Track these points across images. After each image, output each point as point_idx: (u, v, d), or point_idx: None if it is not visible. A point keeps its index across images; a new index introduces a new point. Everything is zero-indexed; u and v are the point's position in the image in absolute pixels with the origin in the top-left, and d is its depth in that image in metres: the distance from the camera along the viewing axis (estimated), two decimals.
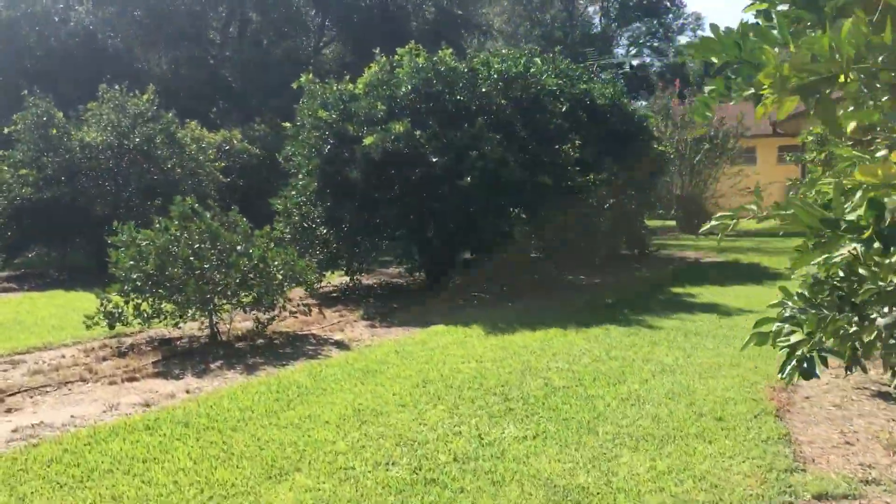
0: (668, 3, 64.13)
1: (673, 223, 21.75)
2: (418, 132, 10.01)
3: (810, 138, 9.53)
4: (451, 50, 11.14)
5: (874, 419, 4.98)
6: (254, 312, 8.31)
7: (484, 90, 11.01)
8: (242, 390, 6.12)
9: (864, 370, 5.71)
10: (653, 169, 14.69)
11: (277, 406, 5.64)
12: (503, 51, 12.83)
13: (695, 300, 10.07)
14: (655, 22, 65.19)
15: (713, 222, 2.98)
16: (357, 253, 11.29)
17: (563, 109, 11.63)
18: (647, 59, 65.81)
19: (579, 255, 13.01)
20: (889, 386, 5.59)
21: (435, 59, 10.85)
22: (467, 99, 10.87)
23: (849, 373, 5.63)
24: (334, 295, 11.50)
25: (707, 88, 2.86)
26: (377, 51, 11.27)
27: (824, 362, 2.63)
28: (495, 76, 11.27)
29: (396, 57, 11.39)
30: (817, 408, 5.30)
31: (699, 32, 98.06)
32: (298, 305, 8.49)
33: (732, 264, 14.01)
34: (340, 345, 8.07)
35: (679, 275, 12.82)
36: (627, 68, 55.52)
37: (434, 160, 9.83)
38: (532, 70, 11.49)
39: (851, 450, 4.42)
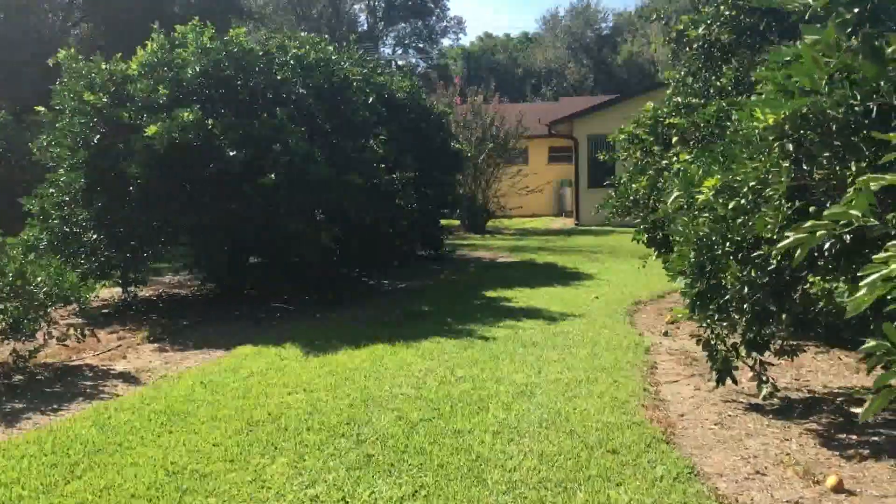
0: (433, 5, 65.43)
1: (457, 222, 21.64)
2: (210, 121, 8.64)
3: (622, 136, 9.44)
4: (244, 29, 9.82)
5: (765, 439, 4.63)
6: (8, 342, 6.59)
7: (281, 77, 9.83)
8: (1, 455, 4.61)
9: (735, 381, 5.45)
10: (450, 167, 14.25)
11: (57, 476, 4.25)
12: (302, 34, 11.68)
13: (512, 304, 9.64)
14: (420, 23, 66.27)
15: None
16: (133, 261, 9.63)
17: (370, 101, 10.75)
18: (413, 60, 66.72)
19: (381, 258, 12.23)
20: (757, 397, 5.34)
21: (226, 38, 9.50)
22: (264, 86, 9.63)
23: (720, 385, 5.33)
24: (106, 311, 9.73)
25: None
26: (155, 25, 9.65)
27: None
28: (293, 62, 10.13)
29: (176, 34, 9.87)
30: (700, 428, 4.89)
31: (461, 36, 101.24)
32: (69, 329, 6.88)
33: (529, 265, 13.91)
34: (127, 377, 6.61)
35: (483, 277, 12.44)
36: (394, 68, 55.86)
37: (231, 154, 8.52)
38: (334, 57, 10.48)
39: (766, 481, 3.99)
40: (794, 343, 5.48)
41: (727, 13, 8.01)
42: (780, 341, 5.38)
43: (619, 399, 5.41)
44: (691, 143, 8.27)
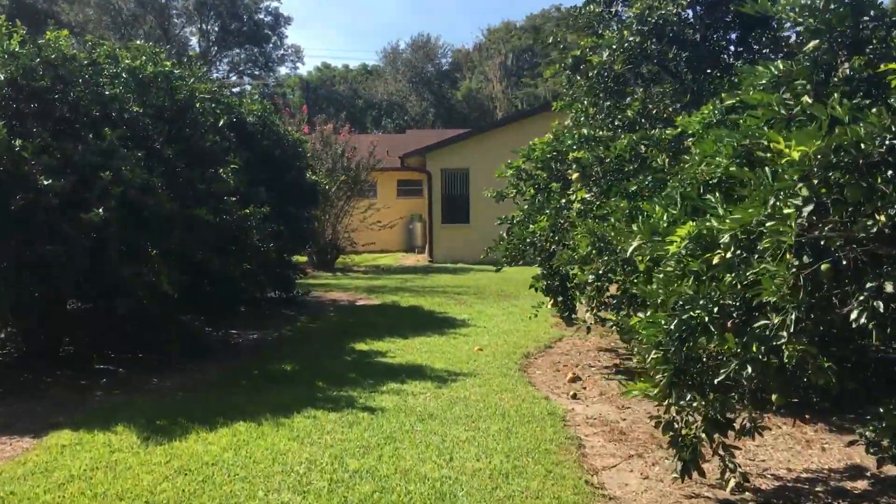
0: (270, 32, 63.43)
1: (304, 259, 20.12)
2: (19, 142, 6.88)
3: (510, 172, 8.57)
4: (66, 32, 8.07)
5: None
6: None
7: (111, 92, 8.17)
8: None
9: (702, 473, 4.52)
10: (306, 201, 12.87)
11: None
12: (138, 42, 9.97)
13: (389, 360, 8.43)
14: (256, 50, 64.04)
15: None
16: None
17: (220, 124, 9.25)
18: (248, 87, 64.17)
19: (229, 305, 10.66)
20: (720, 487, 4.45)
21: (41, 42, 7.75)
22: (89, 101, 7.95)
23: (684, 479, 4.39)
24: None
25: None
26: None
27: None
28: (126, 75, 8.50)
29: None
30: None
31: (299, 65, 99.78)
32: None
33: (393, 309, 12.74)
34: None
35: (346, 324, 11.13)
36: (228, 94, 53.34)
37: (46, 183, 6.80)
38: (177, 71, 8.92)
39: None
40: (756, 419, 4.66)
41: (631, 39, 7.32)
42: (741, 418, 4.54)
43: (564, 501, 4.33)
44: (593, 180, 7.49)
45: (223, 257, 8.83)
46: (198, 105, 9.11)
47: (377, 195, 25.96)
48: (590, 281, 6.72)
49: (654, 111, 7.32)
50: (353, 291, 15.23)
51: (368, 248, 23.32)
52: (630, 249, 4.36)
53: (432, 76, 61.02)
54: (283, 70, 69.70)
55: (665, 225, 4.12)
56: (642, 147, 6.89)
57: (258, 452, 5.22)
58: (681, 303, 3.80)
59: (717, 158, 4.13)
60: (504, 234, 8.13)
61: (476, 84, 58.62)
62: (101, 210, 6.91)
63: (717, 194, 3.99)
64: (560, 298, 7.98)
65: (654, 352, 3.94)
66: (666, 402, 4.17)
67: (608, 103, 7.62)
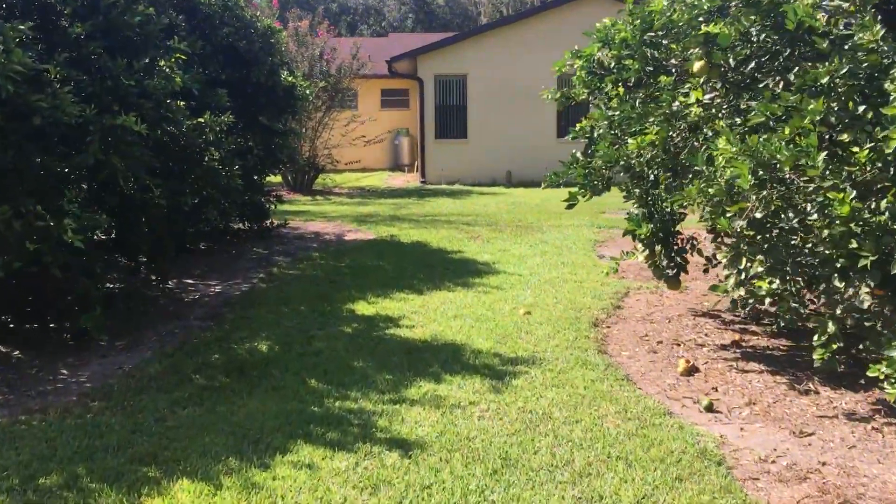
0: None
1: (278, 179, 17.42)
2: None
3: (578, 64, 5.95)
4: None
5: None
6: None
7: None
8: None
9: None
10: (282, 109, 10.10)
11: None
12: None
13: (408, 334, 5.96)
14: None
15: None
16: None
17: None
18: None
19: (179, 246, 8.11)
20: None
21: None
22: None
23: None
24: None
25: None
26: None
27: None
28: None
29: None
30: None
31: None
32: None
33: (394, 246, 10.18)
34: None
35: (338, 270, 8.59)
36: None
37: None
38: None
39: None
40: None
41: None
42: None
43: None
44: (725, 70, 4.93)
45: (167, 184, 6.22)
46: None
47: (359, 107, 23.02)
48: (743, 230, 4.25)
49: None
50: (339, 221, 12.62)
51: (351, 167, 20.55)
52: None
53: None
54: None
55: None
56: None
57: None
58: None
59: None
60: (578, 155, 5.55)
61: None
62: None
63: None
64: (661, 250, 5.48)
65: None
66: None
67: None
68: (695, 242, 6.04)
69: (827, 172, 3.83)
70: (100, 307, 5.50)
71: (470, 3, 52.97)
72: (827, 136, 4.13)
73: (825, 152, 3.95)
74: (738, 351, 5.49)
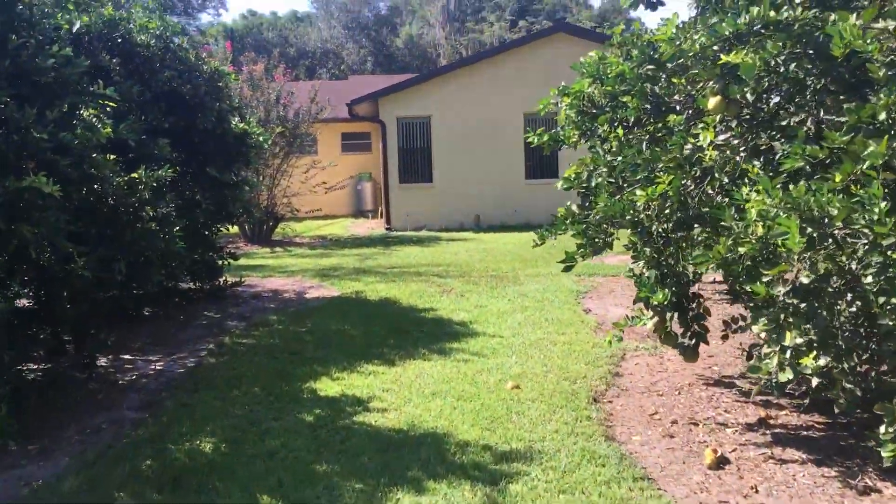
0: None
1: (235, 230, 16.45)
2: None
3: (566, 102, 5.21)
4: None
5: None
6: None
7: None
8: None
9: None
10: (234, 158, 9.23)
11: None
12: None
13: (380, 422, 5.08)
14: None
15: None
16: None
17: (75, 30, 5.60)
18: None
19: (110, 316, 7.18)
20: None
21: None
22: None
23: None
24: None
25: None
26: None
27: None
28: None
29: None
30: None
31: (223, 12, 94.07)
32: None
33: (360, 305, 9.29)
34: None
35: (298, 338, 7.67)
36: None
37: None
38: None
39: None
40: None
41: None
42: None
43: None
44: (744, 107, 4.22)
45: (96, 250, 5.31)
46: (38, 7, 5.42)
47: (318, 152, 22.20)
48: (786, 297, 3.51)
49: None
50: (300, 276, 11.70)
51: (312, 215, 19.65)
52: None
53: (370, 22, 56.58)
54: (205, 17, 64.56)
55: None
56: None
57: None
58: None
59: None
60: (573, 207, 4.77)
61: (417, 29, 54.45)
62: None
63: None
64: (674, 316, 4.69)
65: None
66: None
67: None
68: (701, 300, 5.27)
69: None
70: (4, 406, 4.54)
71: (429, 46, 52.86)
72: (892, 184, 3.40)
73: (888, 203, 3.23)
74: (768, 433, 4.69)
